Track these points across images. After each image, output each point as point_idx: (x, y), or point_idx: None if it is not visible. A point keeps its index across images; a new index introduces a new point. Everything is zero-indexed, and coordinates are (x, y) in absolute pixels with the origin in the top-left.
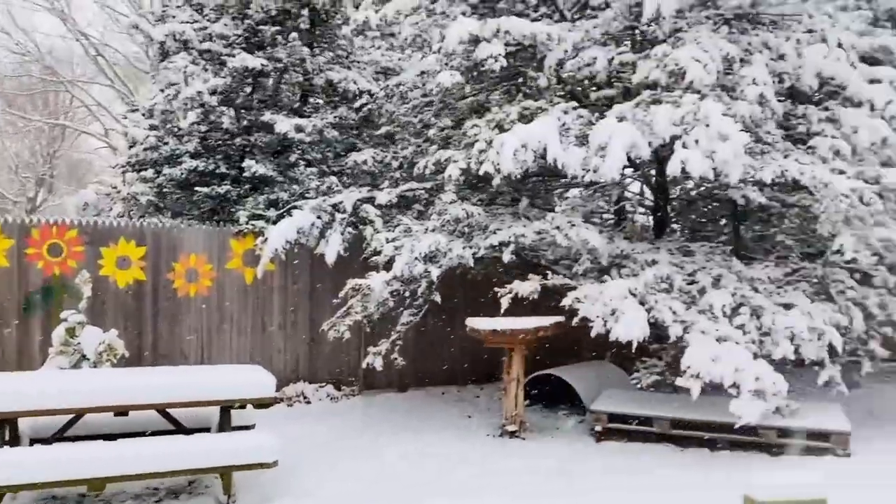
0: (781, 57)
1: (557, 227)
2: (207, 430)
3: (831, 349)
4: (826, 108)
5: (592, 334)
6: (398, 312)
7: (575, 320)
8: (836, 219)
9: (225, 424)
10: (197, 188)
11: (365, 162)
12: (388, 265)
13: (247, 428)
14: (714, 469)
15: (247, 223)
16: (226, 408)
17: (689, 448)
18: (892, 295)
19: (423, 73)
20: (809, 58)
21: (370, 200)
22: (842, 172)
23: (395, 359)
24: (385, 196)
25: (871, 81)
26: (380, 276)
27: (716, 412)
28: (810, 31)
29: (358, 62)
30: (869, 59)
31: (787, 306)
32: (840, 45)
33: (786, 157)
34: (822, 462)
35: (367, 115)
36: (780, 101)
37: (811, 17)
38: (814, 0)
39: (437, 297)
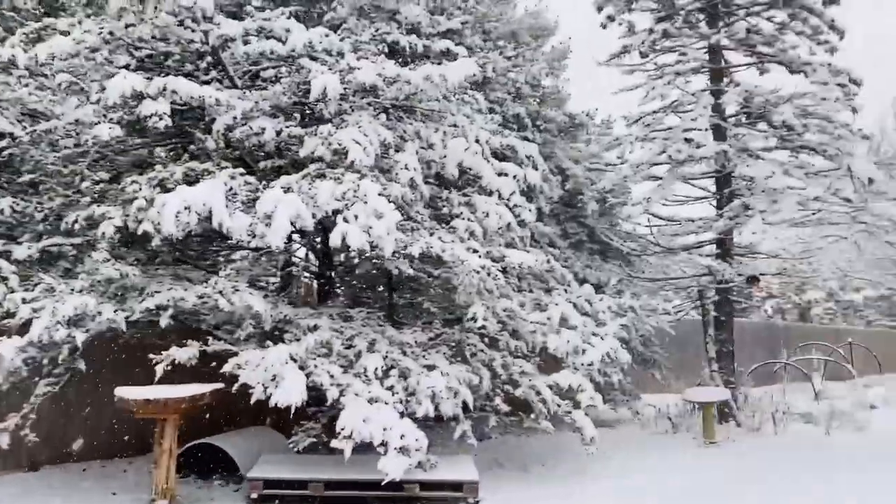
0: (431, 146)
1: (220, 292)
2: None
3: (465, 405)
4: (465, 195)
5: (252, 401)
6: (33, 382)
7: (235, 387)
8: (470, 290)
9: None
10: None
11: (1, 211)
12: (24, 329)
13: None
14: None
15: None
16: None
17: None
18: (513, 357)
19: (77, 121)
20: (453, 149)
21: (5, 255)
22: (475, 251)
23: (26, 434)
24: (24, 250)
25: (501, 174)
26: (11, 342)
27: (366, 471)
28: (455, 126)
29: None
30: (500, 155)
31: (430, 367)
32: (477, 141)
33: (431, 234)
34: None
35: (7, 159)
36: (430, 183)
37: (454, 114)
38: (456, 101)
39: (82, 365)
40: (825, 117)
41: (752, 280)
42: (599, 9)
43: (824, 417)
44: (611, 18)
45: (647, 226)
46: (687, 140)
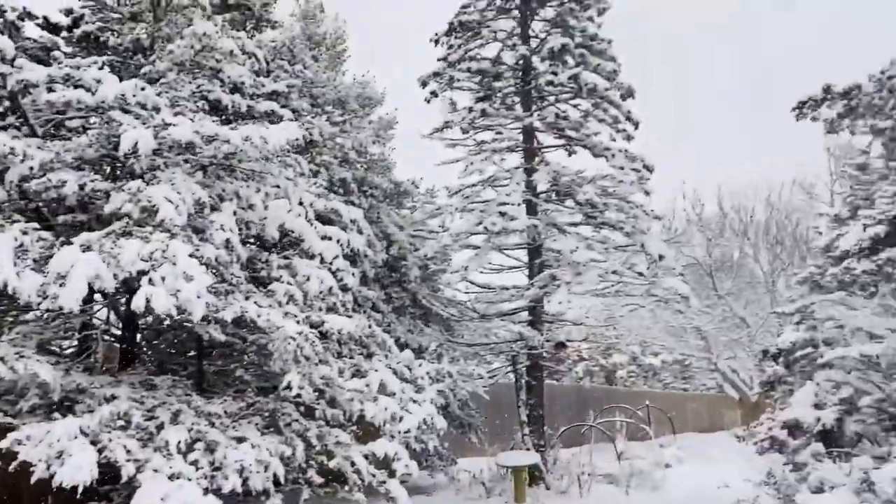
0: (251, 206)
1: (2, 359)
2: None
3: (276, 479)
4: (286, 257)
5: (33, 480)
6: None
7: (14, 464)
8: (286, 357)
9: None
10: None
11: None
12: None
13: None
14: None
15: None
16: None
17: None
18: (330, 426)
19: None
20: (274, 210)
21: None
22: (294, 316)
23: None
24: None
25: (324, 237)
26: None
27: None
28: (277, 187)
29: None
30: (324, 219)
31: (240, 440)
32: (301, 203)
33: (247, 298)
34: None
35: None
36: (249, 243)
37: (275, 176)
38: (279, 162)
39: None
40: (623, 198)
41: (560, 346)
42: (423, 84)
43: (625, 477)
44: (434, 94)
45: (465, 292)
46: (502, 213)
